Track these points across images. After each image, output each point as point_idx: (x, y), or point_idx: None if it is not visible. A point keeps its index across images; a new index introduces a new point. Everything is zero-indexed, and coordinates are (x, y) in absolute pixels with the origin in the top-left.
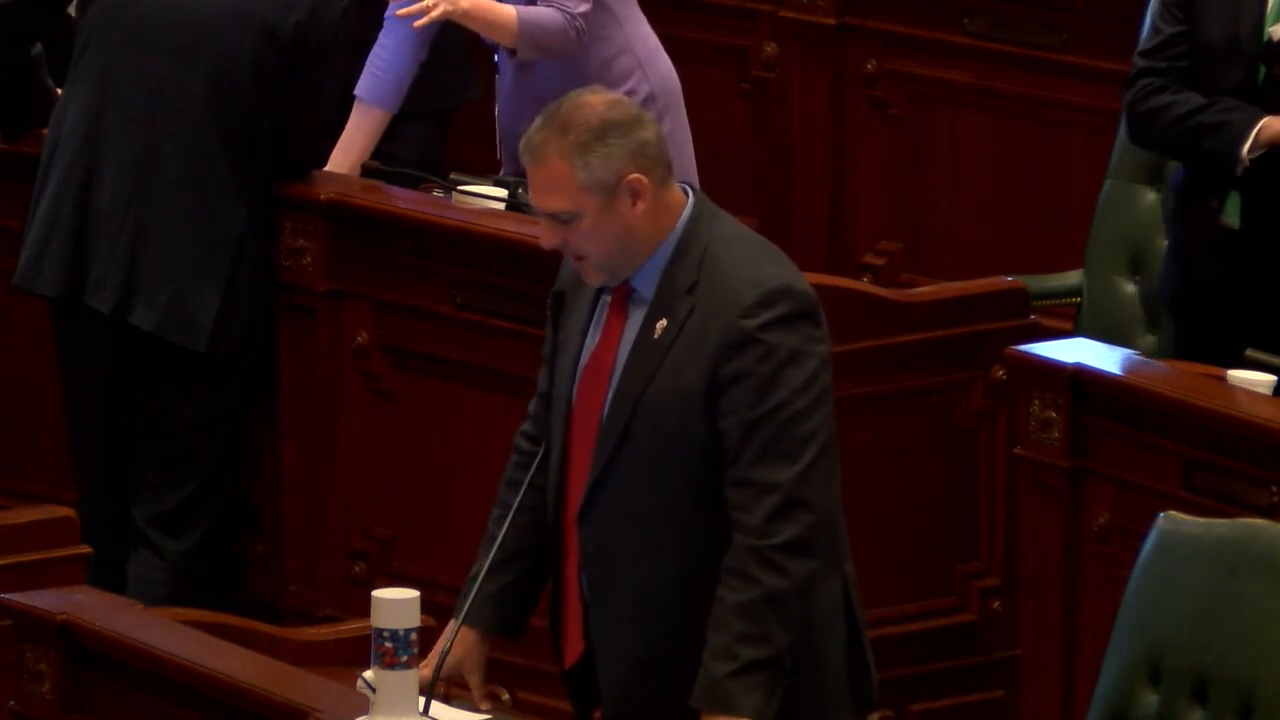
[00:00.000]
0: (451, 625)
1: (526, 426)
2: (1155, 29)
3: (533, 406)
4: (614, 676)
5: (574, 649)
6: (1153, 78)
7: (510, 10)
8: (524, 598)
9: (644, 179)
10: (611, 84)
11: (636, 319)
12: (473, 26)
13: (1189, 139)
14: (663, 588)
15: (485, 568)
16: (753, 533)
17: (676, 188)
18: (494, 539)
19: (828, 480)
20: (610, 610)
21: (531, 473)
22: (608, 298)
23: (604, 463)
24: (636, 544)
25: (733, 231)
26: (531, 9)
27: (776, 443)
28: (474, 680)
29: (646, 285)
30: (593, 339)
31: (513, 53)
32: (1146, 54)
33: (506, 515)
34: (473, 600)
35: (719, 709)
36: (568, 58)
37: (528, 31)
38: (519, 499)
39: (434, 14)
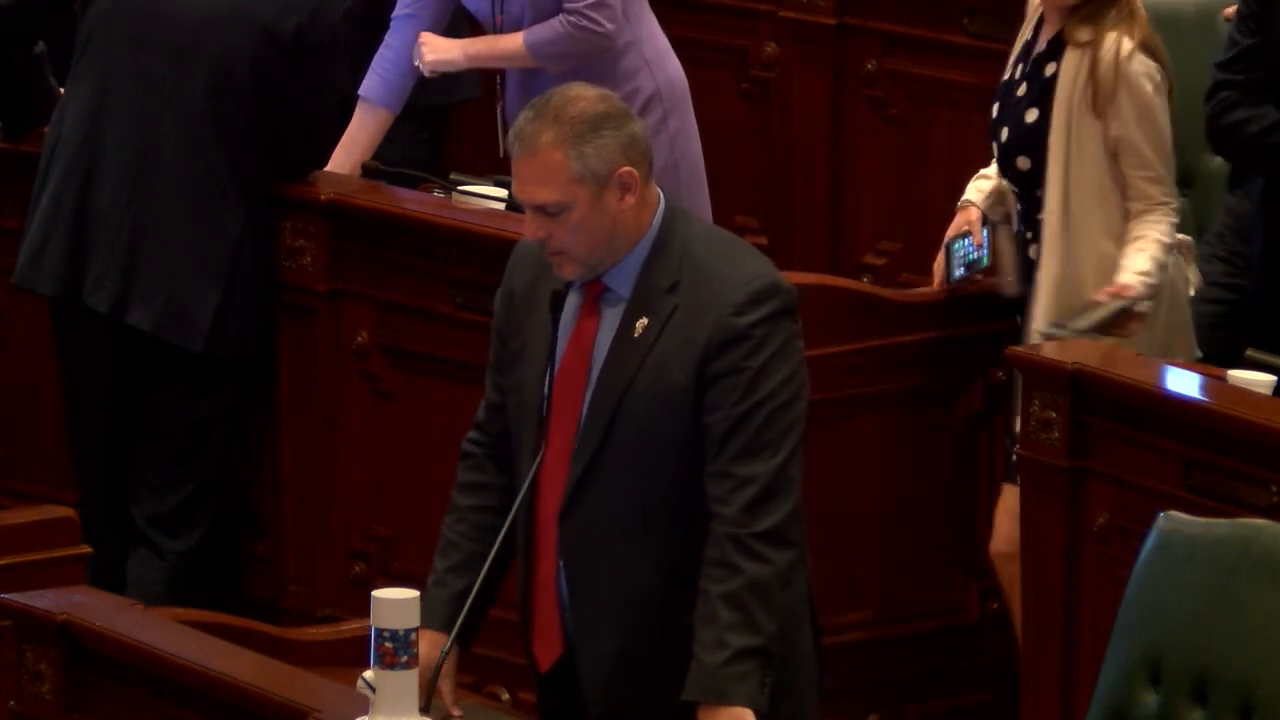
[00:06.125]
0: (428, 635)
1: (474, 435)
2: (1232, 40)
3: (481, 415)
4: (598, 674)
5: (551, 651)
6: (1230, 91)
7: (515, 39)
8: (483, 601)
9: (635, 172)
10: (616, 82)
11: (612, 318)
12: (484, 66)
13: (1268, 155)
14: (646, 583)
15: (448, 570)
16: (732, 522)
17: (655, 185)
18: (453, 543)
19: (800, 472)
20: (593, 609)
21: (490, 476)
22: (577, 297)
23: (585, 463)
24: (620, 542)
25: (705, 230)
26: (535, 27)
27: (760, 436)
28: (445, 685)
29: (622, 284)
30: (564, 340)
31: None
32: (1224, 66)
33: (464, 519)
34: (435, 603)
35: (714, 699)
36: (599, 49)
37: (541, 50)
38: (478, 501)
39: (425, 71)
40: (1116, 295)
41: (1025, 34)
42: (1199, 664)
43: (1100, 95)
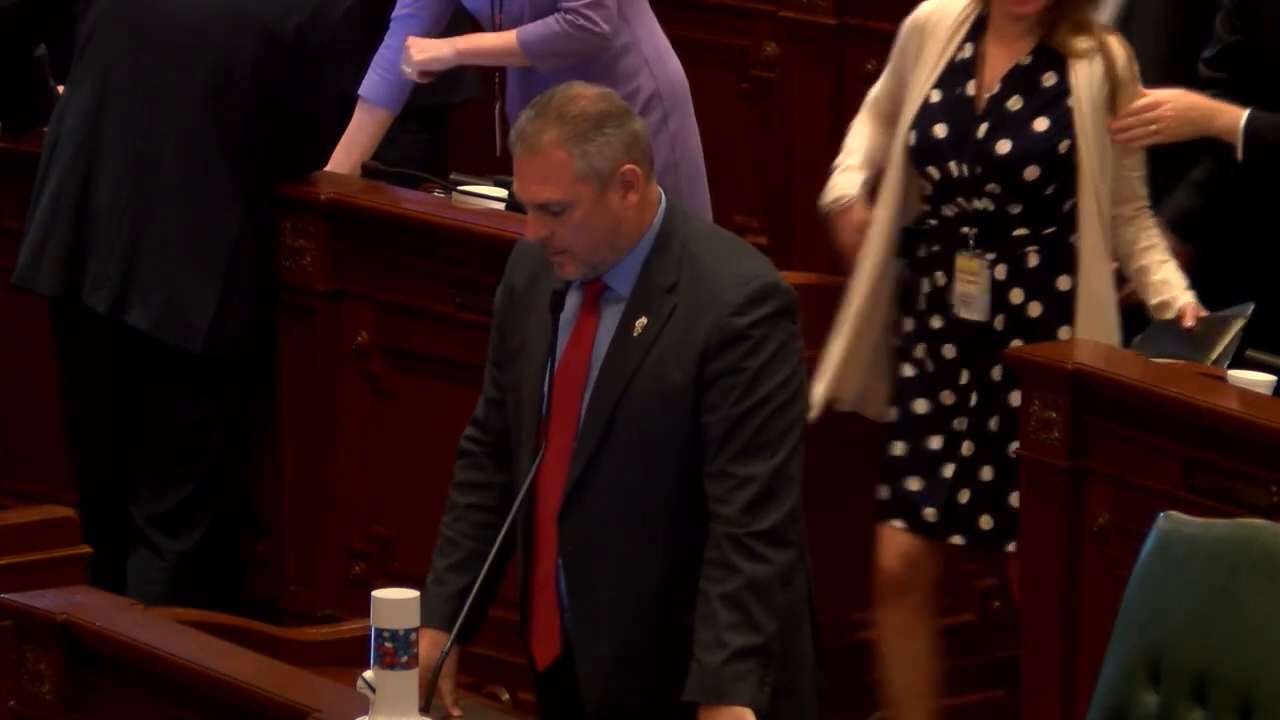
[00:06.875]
0: (428, 634)
1: (473, 431)
2: (1217, 37)
3: (480, 412)
4: (595, 674)
5: (549, 651)
6: (1214, 89)
7: (507, 36)
8: (483, 600)
9: (637, 170)
10: (616, 81)
11: (611, 317)
12: (475, 63)
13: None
14: (646, 583)
15: (447, 568)
16: (731, 522)
17: (656, 184)
18: (452, 541)
19: (800, 472)
20: (592, 609)
21: (488, 474)
22: (577, 296)
23: (584, 462)
24: (619, 541)
25: (706, 229)
26: (530, 24)
27: (759, 436)
28: (445, 685)
29: (622, 283)
30: (563, 339)
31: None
32: (1208, 62)
33: (463, 518)
34: (435, 602)
35: (714, 699)
36: (594, 49)
37: (534, 48)
38: (476, 499)
39: (414, 75)
40: (1196, 315)
41: (949, 51)
42: (1199, 664)
43: (1125, 95)
